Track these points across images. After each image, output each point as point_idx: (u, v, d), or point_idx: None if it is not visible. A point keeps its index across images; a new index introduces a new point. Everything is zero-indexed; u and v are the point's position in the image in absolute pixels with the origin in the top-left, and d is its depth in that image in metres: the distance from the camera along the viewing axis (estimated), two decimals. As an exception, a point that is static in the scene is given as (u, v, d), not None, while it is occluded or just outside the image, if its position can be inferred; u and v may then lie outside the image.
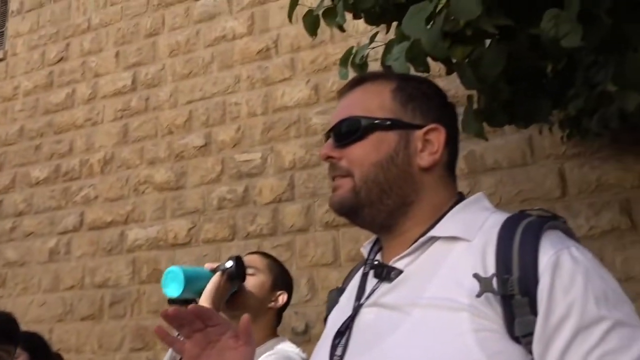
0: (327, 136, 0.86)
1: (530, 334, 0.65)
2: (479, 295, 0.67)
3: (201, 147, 4.79)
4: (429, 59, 1.36)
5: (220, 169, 4.67)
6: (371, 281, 0.82)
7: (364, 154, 0.81)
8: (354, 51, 1.45)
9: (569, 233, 0.75)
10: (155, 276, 4.63)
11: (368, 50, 1.40)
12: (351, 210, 0.82)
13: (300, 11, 1.67)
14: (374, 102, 0.84)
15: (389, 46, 1.30)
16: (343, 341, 0.78)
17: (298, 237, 4.26)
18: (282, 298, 1.60)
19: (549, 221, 0.73)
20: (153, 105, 5.11)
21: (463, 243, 0.75)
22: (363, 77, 0.88)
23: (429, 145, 0.82)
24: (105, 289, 4.81)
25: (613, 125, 2.14)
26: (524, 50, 1.16)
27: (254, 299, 1.55)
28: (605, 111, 2.25)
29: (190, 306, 0.81)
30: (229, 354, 0.81)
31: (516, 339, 0.65)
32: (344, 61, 1.44)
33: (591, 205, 3.54)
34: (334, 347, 0.78)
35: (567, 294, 0.65)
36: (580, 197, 3.58)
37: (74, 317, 4.85)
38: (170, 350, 2.95)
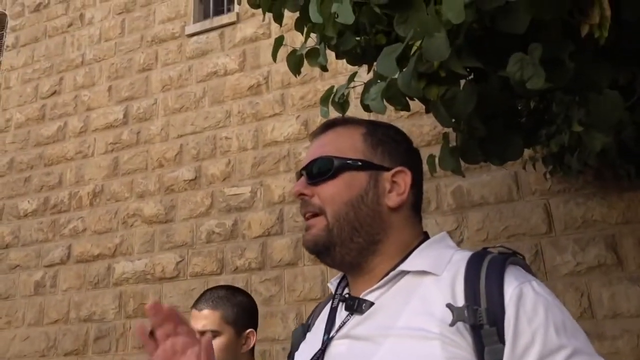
0: (299, 175, 0.88)
1: None
2: (452, 324, 0.70)
3: (191, 180, 4.81)
4: (411, 98, 1.41)
5: (209, 202, 4.68)
6: (341, 314, 0.84)
7: (336, 192, 0.84)
8: (334, 90, 1.50)
9: (527, 269, 0.78)
10: (142, 310, 4.57)
11: (348, 89, 1.45)
12: (324, 248, 0.83)
13: (287, 51, 1.73)
14: (346, 144, 0.87)
15: (367, 86, 1.35)
16: None
17: (287, 272, 4.24)
18: (252, 337, 1.57)
19: (510, 257, 0.77)
20: (144, 139, 5.15)
21: (431, 277, 0.78)
22: (334, 121, 0.92)
23: (396, 186, 0.85)
24: (90, 323, 4.74)
25: (591, 162, 2.18)
26: (496, 91, 1.21)
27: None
28: (584, 148, 2.30)
29: (167, 305, 0.82)
30: None
31: None
32: (324, 100, 1.48)
33: (577, 241, 3.57)
34: None
35: (531, 323, 0.70)
36: (566, 232, 3.61)
37: (58, 352, 4.76)
38: None
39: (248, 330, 1.57)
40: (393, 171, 0.85)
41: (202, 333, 1.51)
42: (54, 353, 4.78)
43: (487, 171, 3.92)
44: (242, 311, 1.57)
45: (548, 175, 3.50)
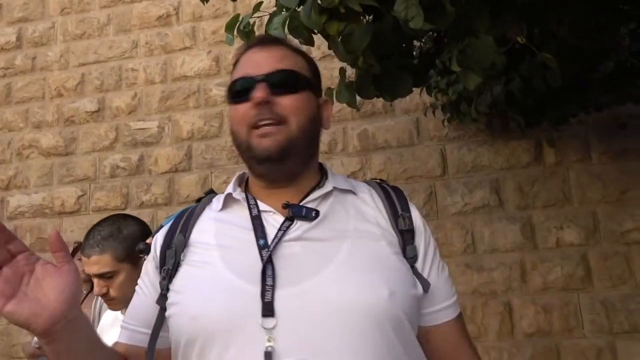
0: (253, 82, 0.88)
1: (414, 256, 0.91)
2: (386, 229, 0.91)
3: (94, 112, 4.59)
4: (314, 32, 1.46)
5: (114, 136, 4.52)
6: (271, 221, 0.89)
7: (300, 106, 0.89)
8: (240, 19, 1.52)
9: None
10: (40, 244, 4.41)
11: (253, 19, 1.48)
12: (285, 154, 0.86)
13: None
14: (301, 64, 0.94)
15: (272, 16, 1.39)
16: (270, 272, 0.81)
17: (194, 208, 4.27)
18: None
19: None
20: (40, 65, 4.80)
21: (352, 195, 0.95)
22: (277, 39, 0.98)
23: (325, 112, 0.97)
24: (-19, 258, 4.51)
25: (482, 109, 2.39)
26: (389, 30, 1.30)
27: (128, 294, 1.45)
28: (478, 98, 2.50)
29: None
30: (49, 281, 0.75)
31: (406, 259, 0.90)
32: (229, 27, 1.50)
33: (466, 184, 3.90)
34: (264, 278, 0.81)
35: (426, 228, 0.96)
36: (457, 176, 3.93)
37: (-56, 289, 4.51)
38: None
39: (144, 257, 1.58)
40: (322, 100, 0.98)
41: (100, 276, 1.54)
42: (-59, 289, 4.52)
43: (392, 117, 4.11)
44: (132, 243, 1.54)
45: (446, 123, 3.74)
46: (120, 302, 1.58)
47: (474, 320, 3.62)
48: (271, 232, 0.87)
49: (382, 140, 4.11)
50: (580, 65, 2.25)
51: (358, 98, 1.53)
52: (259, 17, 1.50)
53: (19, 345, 4.29)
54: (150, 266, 0.96)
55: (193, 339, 0.82)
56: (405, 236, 0.91)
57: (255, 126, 0.88)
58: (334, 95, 1.54)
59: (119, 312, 1.66)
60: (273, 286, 0.80)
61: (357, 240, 0.87)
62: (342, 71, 1.48)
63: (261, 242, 0.85)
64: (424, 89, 3.30)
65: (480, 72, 1.20)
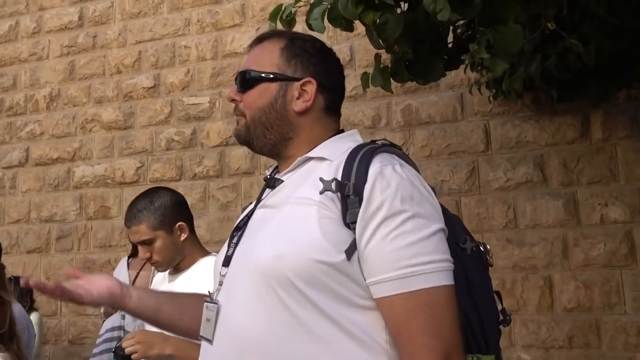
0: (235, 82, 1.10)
1: (356, 221, 0.90)
2: (321, 193, 0.93)
3: (150, 88, 4.85)
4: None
5: (169, 110, 4.77)
6: (267, 192, 1.09)
7: (252, 100, 1.06)
8: (283, 8, 1.64)
9: (403, 157, 1.01)
10: (103, 213, 4.77)
11: (295, 8, 1.59)
12: (246, 141, 1.09)
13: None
14: (265, 58, 1.08)
15: (312, 6, 1.50)
16: (238, 233, 1.06)
17: (243, 180, 4.48)
18: (182, 227, 1.82)
19: (385, 147, 1.00)
20: (101, 43, 5.08)
21: (327, 162, 1.00)
22: (262, 36, 1.13)
23: (304, 94, 1.05)
24: (52, 223, 4.92)
25: (517, 86, 2.43)
26: (421, 19, 1.38)
27: (167, 257, 1.79)
28: (513, 75, 2.52)
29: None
30: (89, 283, 1.12)
31: (347, 225, 0.90)
32: (273, 16, 1.61)
33: (510, 160, 3.91)
34: (232, 237, 1.07)
35: (382, 194, 0.90)
36: (500, 151, 3.95)
37: (21, 250, 4.96)
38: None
39: (177, 224, 1.82)
40: (302, 81, 1.05)
41: (141, 243, 1.78)
42: (17, 251, 4.97)
43: (436, 92, 4.14)
44: (164, 211, 1.81)
45: (491, 99, 3.75)
46: (163, 264, 1.82)
47: (514, 294, 3.68)
48: None
49: (425, 116, 4.15)
50: (624, 42, 2.25)
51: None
52: (300, 7, 1.61)
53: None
54: None
55: None
56: (348, 201, 0.90)
57: None
58: (370, 79, 1.64)
59: (166, 272, 1.88)
60: (236, 243, 1.04)
61: (293, 206, 0.96)
62: (377, 56, 1.58)
63: (253, 208, 1.09)
64: (469, 65, 3.31)
65: (508, 58, 1.27)
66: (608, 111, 3.67)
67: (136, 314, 1.19)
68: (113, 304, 1.14)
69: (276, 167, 1.14)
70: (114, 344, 1.90)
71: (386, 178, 0.91)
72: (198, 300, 1.12)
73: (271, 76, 1.05)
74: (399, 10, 1.49)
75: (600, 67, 2.21)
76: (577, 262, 3.64)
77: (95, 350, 3.36)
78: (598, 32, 1.93)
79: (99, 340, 3.30)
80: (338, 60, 1.13)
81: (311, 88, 1.05)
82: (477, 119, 4.04)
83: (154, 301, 1.18)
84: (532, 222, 3.79)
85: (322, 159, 1.01)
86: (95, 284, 1.11)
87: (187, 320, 1.16)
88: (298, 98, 1.05)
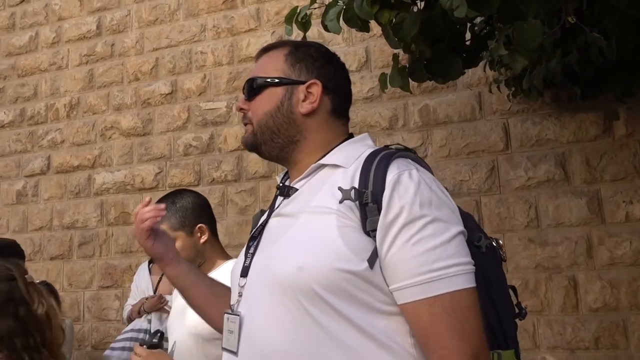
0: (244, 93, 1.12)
1: (376, 229, 0.90)
2: (340, 202, 0.92)
3: (167, 94, 4.89)
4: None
5: (186, 116, 4.80)
6: (279, 200, 1.09)
7: (259, 105, 1.07)
8: (298, 10, 1.63)
9: (418, 161, 1.00)
10: (123, 219, 4.81)
11: (310, 10, 1.58)
12: (253, 147, 1.10)
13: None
14: (270, 65, 1.09)
15: (328, 7, 1.49)
16: (255, 243, 1.05)
17: (261, 183, 4.48)
18: (202, 229, 1.81)
19: (400, 152, 1.00)
20: (119, 52, 5.15)
21: (342, 169, 0.99)
22: (268, 47, 1.15)
23: (310, 96, 1.05)
24: (73, 230, 4.98)
25: (537, 82, 2.38)
26: (438, 17, 1.36)
27: (186, 258, 1.75)
28: (533, 71, 2.48)
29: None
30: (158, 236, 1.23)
31: (367, 233, 0.90)
32: (288, 19, 1.61)
33: (530, 158, 3.85)
34: (248, 247, 1.06)
35: (401, 200, 0.89)
36: (521, 150, 3.88)
37: (44, 257, 5.03)
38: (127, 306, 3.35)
39: (198, 226, 1.81)
40: (307, 84, 1.06)
41: None
42: (40, 257, 5.05)
43: (453, 91, 4.10)
44: (185, 213, 1.81)
45: (510, 97, 3.69)
46: None
47: (537, 294, 3.62)
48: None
49: (443, 115, 4.11)
50: (647, 36, 2.19)
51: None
52: (316, 8, 1.60)
53: (108, 310, 4.74)
54: None
55: None
56: (367, 209, 0.89)
57: None
58: (387, 80, 1.62)
59: None
60: (253, 254, 1.03)
61: (311, 215, 0.95)
62: (395, 57, 1.56)
63: (267, 217, 1.10)
64: (487, 63, 3.27)
65: (527, 54, 1.24)
66: (631, 107, 3.59)
67: (173, 281, 1.24)
68: (160, 261, 1.22)
69: (286, 174, 1.14)
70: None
71: (404, 184, 0.90)
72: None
73: (276, 81, 1.06)
74: (415, 9, 1.47)
75: (622, 61, 2.16)
76: (602, 261, 3.56)
77: (115, 345, 3.39)
78: (619, 26, 1.88)
79: (121, 337, 3.33)
80: (343, 65, 1.13)
81: (317, 90, 1.05)
82: (496, 117, 3.99)
83: (193, 277, 1.23)
84: (555, 221, 3.72)
85: (336, 166, 1.01)
86: (160, 237, 1.22)
87: (215, 310, 1.17)
88: (304, 100, 1.05)
